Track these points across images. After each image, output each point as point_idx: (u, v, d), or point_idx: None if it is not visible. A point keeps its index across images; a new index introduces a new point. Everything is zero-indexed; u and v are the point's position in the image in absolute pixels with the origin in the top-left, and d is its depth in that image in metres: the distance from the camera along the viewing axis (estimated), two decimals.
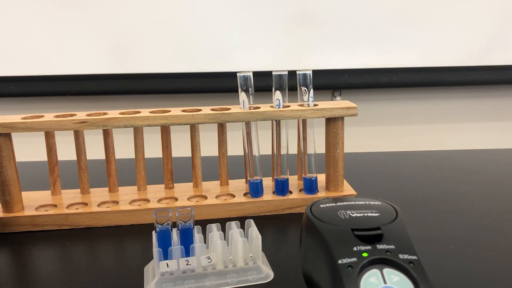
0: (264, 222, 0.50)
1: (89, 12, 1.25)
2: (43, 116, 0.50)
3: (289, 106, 0.51)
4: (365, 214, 0.34)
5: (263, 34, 1.33)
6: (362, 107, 1.42)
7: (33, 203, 0.51)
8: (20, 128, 0.47)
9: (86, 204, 0.51)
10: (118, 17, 1.26)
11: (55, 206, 0.51)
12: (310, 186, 0.53)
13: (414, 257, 0.29)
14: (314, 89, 0.52)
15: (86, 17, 1.25)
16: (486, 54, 1.40)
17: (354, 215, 0.33)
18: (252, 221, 0.41)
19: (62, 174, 0.55)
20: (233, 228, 0.40)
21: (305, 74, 0.51)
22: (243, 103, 0.51)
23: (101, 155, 0.56)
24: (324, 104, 0.52)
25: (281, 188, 0.53)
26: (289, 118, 0.51)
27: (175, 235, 0.39)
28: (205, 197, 0.53)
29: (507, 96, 1.51)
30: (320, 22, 1.34)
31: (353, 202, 0.36)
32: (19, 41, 1.24)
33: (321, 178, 0.55)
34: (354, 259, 0.29)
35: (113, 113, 0.50)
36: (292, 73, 0.51)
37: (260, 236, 0.39)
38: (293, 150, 0.57)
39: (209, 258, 0.38)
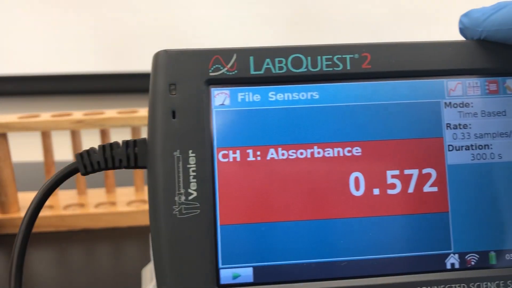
0: None
1: (86, 10, 1.24)
2: (39, 115, 0.49)
3: None
4: None
5: (263, 34, 1.33)
6: None
7: (29, 204, 0.51)
8: (16, 128, 0.47)
9: (83, 205, 0.51)
10: (115, 15, 1.26)
11: (51, 207, 0.50)
12: None
13: None
14: None
15: (83, 15, 1.25)
16: None
17: None
18: None
19: None
20: None
21: None
22: None
23: None
24: None
25: None
26: None
27: None
28: None
29: None
30: (320, 22, 1.34)
31: None
32: (15, 40, 1.24)
33: None
34: None
35: (111, 113, 0.50)
36: None
37: None
38: None
39: None
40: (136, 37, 1.29)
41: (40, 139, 0.51)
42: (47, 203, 0.51)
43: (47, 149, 0.52)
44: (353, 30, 1.39)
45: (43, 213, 0.49)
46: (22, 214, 0.49)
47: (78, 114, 0.49)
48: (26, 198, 0.52)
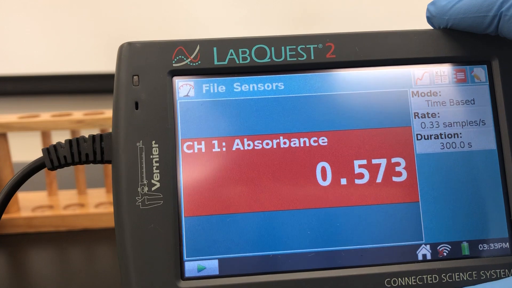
0: None
1: (85, 9, 1.24)
2: (39, 115, 0.49)
3: None
4: None
5: (263, 33, 1.33)
6: None
7: (30, 204, 0.51)
8: (16, 128, 0.47)
9: (83, 205, 0.51)
10: (115, 14, 1.26)
11: (51, 207, 0.50)
12: None
13: None
14: None
15: (83, 15, 1.25)
16: None
17: None
18: None
19: (58, 174, 0.55)
20: None
21: None
22: None
23: None
24: None
25: None
26: None
27: None
28: None
29: None
30: (321, 22, 1.34)
31: None
32: (15, 40, 1.24)
33: None
34: None
35: (111, 113, 0.50)
36: None
37: None
38: None
39: None
40: (136, 37, 1.28)
41: (40, 139, 0.51)
42: (47, 202, 0.51)
43: None
44: (355, 31, 1.38)
45: (43, 213, 0.49)
46: (22, 214, 0.49)
47: (78, 114, 0.49)
48: (26, 198, 0.52)
